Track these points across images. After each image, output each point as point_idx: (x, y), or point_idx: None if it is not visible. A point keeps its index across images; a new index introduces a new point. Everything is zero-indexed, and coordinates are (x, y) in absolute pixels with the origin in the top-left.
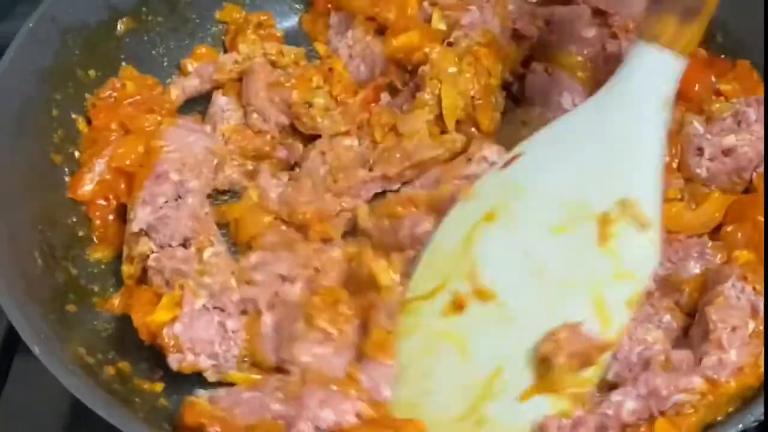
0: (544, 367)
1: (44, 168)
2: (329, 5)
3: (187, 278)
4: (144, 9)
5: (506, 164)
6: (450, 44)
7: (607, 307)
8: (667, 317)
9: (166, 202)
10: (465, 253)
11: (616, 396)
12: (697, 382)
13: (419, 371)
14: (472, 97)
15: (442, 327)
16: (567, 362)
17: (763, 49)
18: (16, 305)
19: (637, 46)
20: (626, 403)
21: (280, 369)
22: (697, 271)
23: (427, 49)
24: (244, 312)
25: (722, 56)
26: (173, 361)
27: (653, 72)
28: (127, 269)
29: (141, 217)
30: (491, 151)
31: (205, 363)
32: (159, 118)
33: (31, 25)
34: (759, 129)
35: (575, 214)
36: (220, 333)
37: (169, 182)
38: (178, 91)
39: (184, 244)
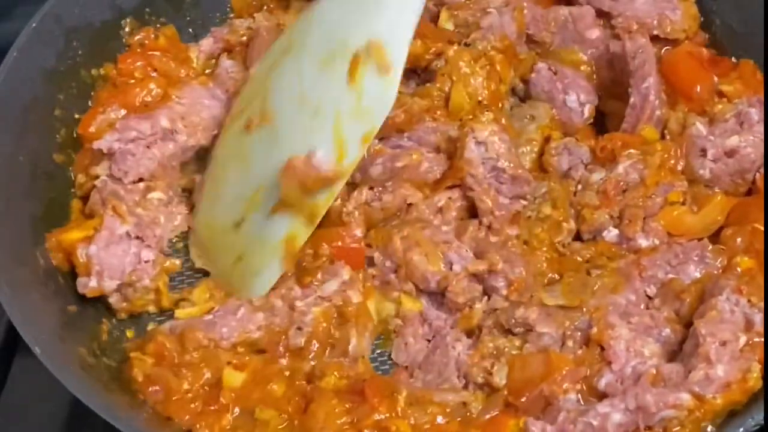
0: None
1: (47, 168)
2: None
3: (121, 203)
4: (148, 9)
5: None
6: (467, 45)
7: (345, 140)
8: (667, 330)
9: (135, 140)
10: (265, 81)
11: (603, 407)
12: (686, 398)
13: (218, 178)
14: (480, 101)
15: (237, 143)
16: (294, 187)
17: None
18: (17, 305)
19: None
20: (613, 416)
21: None
22: (697, 275)
23: (434, 49)
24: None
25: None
26: (80, 284)
27: None
28: (80, 178)
29: (107, 138)
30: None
31: (110, 286)
32: (185, 70)
33: (34, 24)
34: (762, 130)
35: (338, 51)
36: (133, 262)
37: (150, 123)
38: (197, 51)
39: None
